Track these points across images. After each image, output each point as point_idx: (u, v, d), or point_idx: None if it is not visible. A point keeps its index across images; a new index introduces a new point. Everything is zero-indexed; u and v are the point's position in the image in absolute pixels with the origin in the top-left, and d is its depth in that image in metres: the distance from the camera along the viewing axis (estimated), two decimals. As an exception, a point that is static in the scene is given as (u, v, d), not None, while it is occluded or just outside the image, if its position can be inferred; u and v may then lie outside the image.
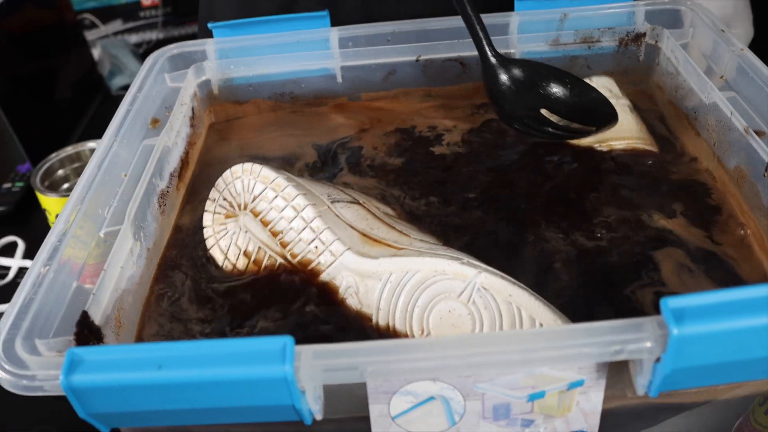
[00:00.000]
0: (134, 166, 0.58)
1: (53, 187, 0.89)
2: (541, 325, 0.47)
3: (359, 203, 0.56)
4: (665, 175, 0.61)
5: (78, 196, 0.53)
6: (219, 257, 0.55)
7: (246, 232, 0.54)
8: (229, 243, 0.55)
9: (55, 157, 0.90)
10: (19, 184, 1.05)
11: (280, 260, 0.53)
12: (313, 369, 0.37)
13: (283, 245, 0.53)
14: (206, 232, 0.56)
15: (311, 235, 0.52)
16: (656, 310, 0.38)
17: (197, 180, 0.66)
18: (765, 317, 0.36)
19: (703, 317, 0.36)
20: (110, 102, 1.31)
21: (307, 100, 0.73)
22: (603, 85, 0.67)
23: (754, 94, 0.58)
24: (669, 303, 0.37)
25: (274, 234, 0.53)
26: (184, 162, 0.65)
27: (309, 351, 0.38)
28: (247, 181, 0.55)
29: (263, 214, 0.54)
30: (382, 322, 0.49)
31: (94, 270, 0.49)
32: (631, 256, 0.54)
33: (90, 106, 1.28)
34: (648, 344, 0.37)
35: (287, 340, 0.37)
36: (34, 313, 0.44)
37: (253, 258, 0.54)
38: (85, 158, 0.92)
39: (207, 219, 0.56)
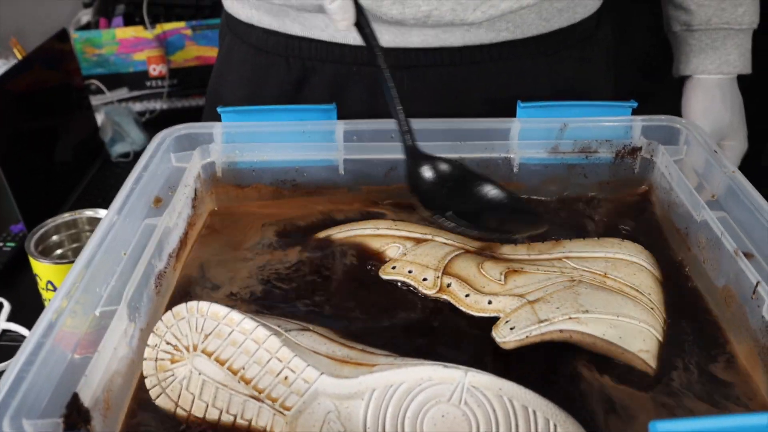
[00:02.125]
0: (134, 245, 0.58)
1: (46, 252, 0.89)
2: (534, 412, 0.47)
3: (309, 329, 0.54)
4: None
5: (78, 272, 0.53)
6: (169, 406, 0.50)
7: (199, 374, 0.50)
8: (179, 390, 0.50)
9: (51, 222, 0.90)
10: (11, 244, 1.05)
11: (243, 399, 0.50)
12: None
13: (246, 381, 0.50)
14: (149, 382, 0.51)
15: (279, 365, 0.49)
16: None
17: (193, 261, 0.67)
18: (753, 449, 0.36)
19: (691, 445, 0.36)
20: (109, 168, 1.32)
21: (308, 188, 0.74)
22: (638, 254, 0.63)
23: (744, 215, 0.60)
24: (658, 427, 0.37)
25: (234, 372, 0.50)
26: (183, 242, 0.66)
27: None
28: (194, 320, 0.51)
29: (218, 352, 0.50)
30: None
31: (87, 342, 0.50)
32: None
33: (89, 171, 1.29)
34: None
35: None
36: (24, 391, 0.44)
37: (212, 402, 0.50)
38: (81, 225, 0.92)
39: (148, 367, 0.51)
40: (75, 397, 0.45)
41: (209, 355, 0.50)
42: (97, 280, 0.54)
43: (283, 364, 0.49)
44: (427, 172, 0.64)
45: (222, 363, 0.50)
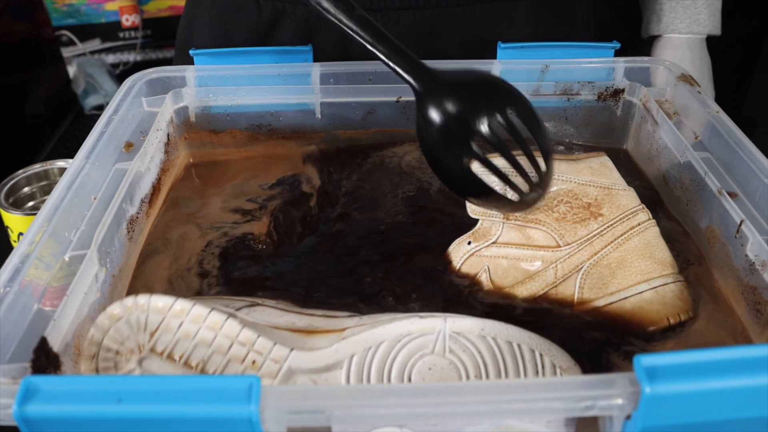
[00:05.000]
0: (105, 189, 0.57)
1: (17, 204, 0.86)
2: (519, 345, 0.46)
3: (259, 304, 0.50)
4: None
5: (45, 216, 0.51)
6: None
7: None
8: None
9: (21, 173, 0.88)
10: (-18, 199, 1.02)
11: None
12: (278, 411, 0.36)
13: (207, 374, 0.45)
14: None
15: (243, 349, 0.45)
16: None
17: (167, 208, 0.65)
18: (738, 379, 0.36)
19: (675, 376, 0.36)
20: (82, 121, 1.29)
21: (284, 133, 0.73)
22: (601, 164, 0.60)
23: (727, 155, 0.59)
24: (642, 360, 0.37)
25: (192, 367, 0.44)
26: (155, 188, 0.64)
27: (275, 392, 0.37)
28: (135, 318, 0.45)
29: (169, 349, 0.45)
30: None
31: (55, 293, 0.48)
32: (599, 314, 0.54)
33: (61, 124, 1.26)
34: (619, 401, 0.37)
35: (253, 380, 0.36)
36: (-9, 336, 0.42)
37: None
38: (53, 177, 0.90)
39: None
40: (43, 342, 0.44)
41: (160, 354, 0.45)
42: (66, 225, 0.52)
43: (247, 347, 0.45)
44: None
45: (176, 360, 0.45)
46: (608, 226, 0.55)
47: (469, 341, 0.46)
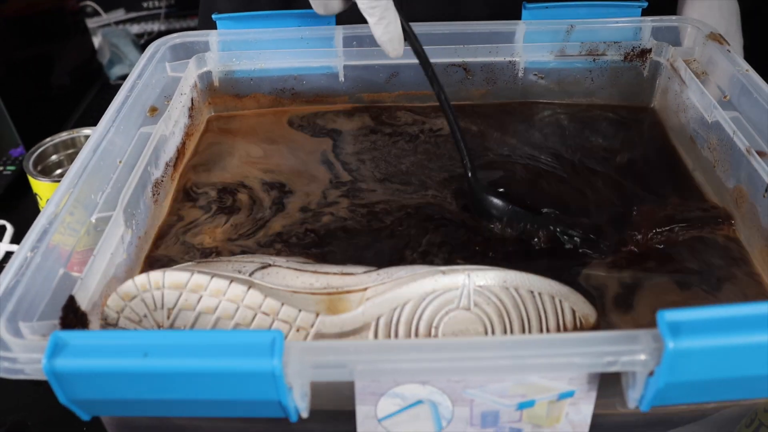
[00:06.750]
0: (130, 153, 0.57)
1: (46, 172, 0.87)
2: (539, 294, 0.46)
3: (269, 264, 0.49)
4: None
5: (71, 180, 0.52)
6: None
7: None
8: None
9: (49, 141, 0.89)
10: (11, 168, 1.04)
11: None
12: (301, 365, 0.37)
13: None
14: None
15: (267, 319, 0.44)
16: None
17: (192, 171, 0.66)
18: (761, 335, 0.35)
19: (699, 332, 0.36)
20: (108, 91, 1.30)
21: (307, 97, 0.73)
22: None
23: (757, 114, 0.58)
24: (665, 316, 0.36)
25: None
26: (180, 152, 0.65)
27: (298, 347, 0.37)
28: (150, 296, 0.44)
29: (189, 324, 0.44)
30: None
31: (82, 257, 0.49)
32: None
33: (87, 94, 1.27)
34: (642, 357, 0.37)
35: (276, 334, 0.36)
36: (20, 295, 0.43)
37: None
38: (80, 144, 0.91)
39: None
40: (71, 300, 0.45)
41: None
42: (92, 188, 0.53)
43: (271, 317, 0.44)
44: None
45: None
46: None
47: (493, 293, 0.46)
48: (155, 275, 0.45)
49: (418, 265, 0.49)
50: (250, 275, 0.47)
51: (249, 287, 0.45)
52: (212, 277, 0.45)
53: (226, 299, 0.45)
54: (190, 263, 0.50)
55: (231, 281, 0.45)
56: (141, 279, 0.45)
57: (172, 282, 0.45)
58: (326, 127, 0.71)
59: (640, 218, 0.57)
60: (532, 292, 0.46)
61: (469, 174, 0.59)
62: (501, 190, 0.60)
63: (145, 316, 0.45)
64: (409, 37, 0.57)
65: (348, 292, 0.47)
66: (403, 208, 0.60)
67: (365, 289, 0.47)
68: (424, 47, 0.59)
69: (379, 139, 0.69)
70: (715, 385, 0.37)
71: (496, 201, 0.59)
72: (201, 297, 0.45)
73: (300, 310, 0.45)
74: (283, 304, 0.45)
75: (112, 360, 0.36)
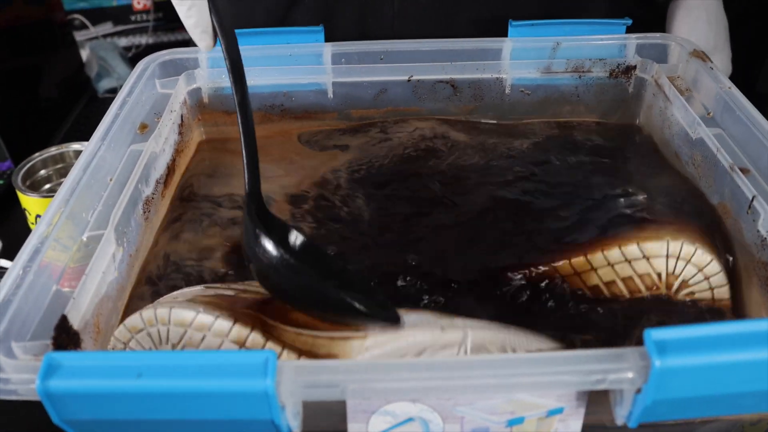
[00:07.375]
0: (120, 170, 0.57)
1: (34, 187, 0.87)
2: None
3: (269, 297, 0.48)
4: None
5: (62, 198, 0.52)
6: None
7: None
8: None
9: (37, 156, 0.89)
10: (-1, 182, 1.03)
11: None
12: (294, 384, 0.37)
13: None
14: None
15: None
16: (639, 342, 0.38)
17: (182, 188, 0.66)
18: (747, 353, 0.36)
19: (685, 350, 0.36)
20: (96, 104, 1.30)
21: (296, 113, 0.73)
22: None
23: (740, 131, 0.59)
24: (652, 334, 0.37)
25: None
26: (170, 169, 0.65)
27: (291, 366, 0.38)
28: (155, 331, 0.45)
29: None
30: None
31: (74, 274, 0.49)
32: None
33: (75, 108, 1.27)
34: (629, 375, 0.37)
35: (269, 354, 0.37)
36: (12, 314, 0.43)
37: None
38: (68, 159, 0.91)
39: None
40: (63, 319, 0.45)
41: None
42: (83, 206, 0.53)
43: None
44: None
45: None
46: None
47: (489, 352, 0.46)
48: (162, 311, 0.45)
49: (414, 312, 0.48)
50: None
51: (251, 329, 0.45)
52: (216, 318, 0.45)
53: (229, 340, 0.45)
54: (198, 288, 0.50)
55: (234, 322, 0.45)
56: (148, 313, 0.45)
57: (178, 320, 0.45)
58: (322, 144, 0.71)
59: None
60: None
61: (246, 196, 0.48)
62: (294, 229, 0.49)
63: (150, 349, 0.46)
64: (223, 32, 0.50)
65: (348, 338, 0.46)
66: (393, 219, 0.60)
67: (365, 337, 0.46)
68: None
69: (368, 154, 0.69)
70: (701, 402, 0.38)
71: (268, 245, 0.46)
72: (205, 336, 0.45)
73: (301, 356, 0.45)
74: (284, 349, 0.45)
75: (105, 381, 0.36)
